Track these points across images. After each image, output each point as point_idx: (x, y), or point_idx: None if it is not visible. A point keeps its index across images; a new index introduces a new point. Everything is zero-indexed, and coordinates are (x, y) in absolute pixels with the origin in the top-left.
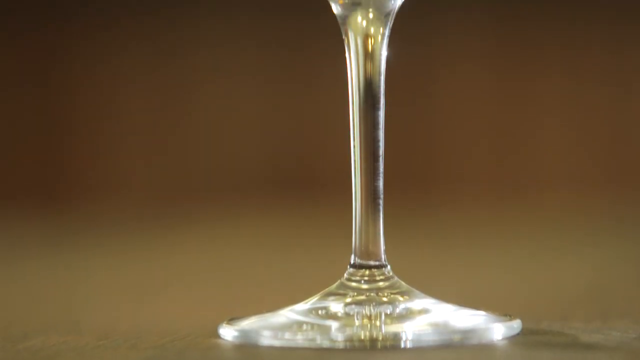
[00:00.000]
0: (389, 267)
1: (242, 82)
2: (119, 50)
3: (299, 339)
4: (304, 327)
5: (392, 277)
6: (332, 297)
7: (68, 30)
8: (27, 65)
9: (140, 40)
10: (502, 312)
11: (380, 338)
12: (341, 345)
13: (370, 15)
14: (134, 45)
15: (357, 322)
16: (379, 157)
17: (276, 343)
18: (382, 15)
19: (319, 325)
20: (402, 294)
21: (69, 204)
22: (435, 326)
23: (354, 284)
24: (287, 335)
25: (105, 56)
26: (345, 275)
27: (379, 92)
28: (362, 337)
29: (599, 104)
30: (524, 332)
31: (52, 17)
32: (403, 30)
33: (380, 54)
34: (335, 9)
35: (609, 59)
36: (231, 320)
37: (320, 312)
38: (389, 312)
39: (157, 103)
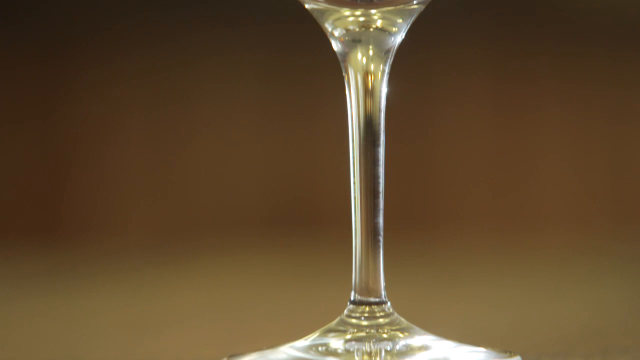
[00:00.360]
0: (389, 303)
1: (242, 119)
2: (120, 87)
3: None
4: None
5: (392, 313)
6: (332, 334)
7: (69, 66)
8: (28, 101)
9: (141, 76)
10: (502, 348)
11: None
12: None
13: (370, 53)
14: (135, 81)
15: (357, 359)
16: (379, 193)
17: None
18: (382, 52)
19: None
20: (402, 330)
21: (70, 241)
22: None
23: (354, 320)
24: None
25: (106, 93)
26: (345, 311)
27: (379, 129)
28: None
29: (599, 141)
30: None
31: (52, 53)
32: (403, 67)
33: (380, 91)
34: (336, 46)
35: (609, 96)
36: (231, 356)
37: (320, 348)
38: (389, 349)
39: (158, 139)
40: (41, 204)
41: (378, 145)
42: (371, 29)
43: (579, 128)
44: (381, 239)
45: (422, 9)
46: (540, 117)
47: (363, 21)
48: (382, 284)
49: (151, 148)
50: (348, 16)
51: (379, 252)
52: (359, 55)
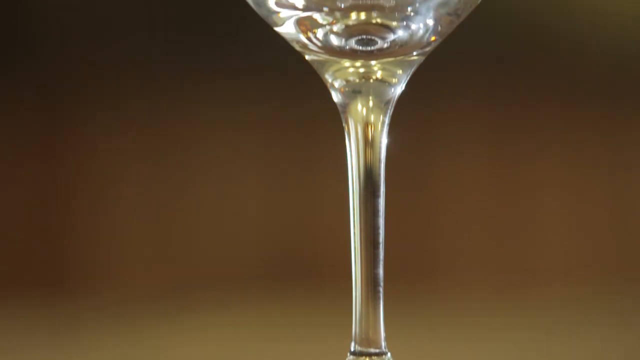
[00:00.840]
0: (389, 354)
1: (241, 170)
2: (120, 137)
3: None
4: None
5: None
6: None
7: (69, 116)
8: (26, 150)
9: (141, 125)
10: None
11: None
12: None
13: (371, 104)
14: (135, 131)
15: None
16: (379, 244)
17: None
18: (382, 103)
19: None
20: None
21: (70, 294)
22: None
23: None
24: None
25: (105, 143)
26: None
27: (379, 180)
28: None
29: (599, 190)
30: None
31: (51, 101)
32: (403, 118)
33: (380, 142)
34: (336, 97)
35: (608, 146)
36: None
37: None
38: None
39: (159, 190)
40: (38, 257)
41: (378, 196)
42: (371, 80)
43: (579, 178)
44: (381, 289)
45: (422, 60)
46: (539, 167)
47: (363, 72)
48: (382, 334)
49: (151, 199)
50: (348, 67)
51: (379, 303)
52: (359, 106)
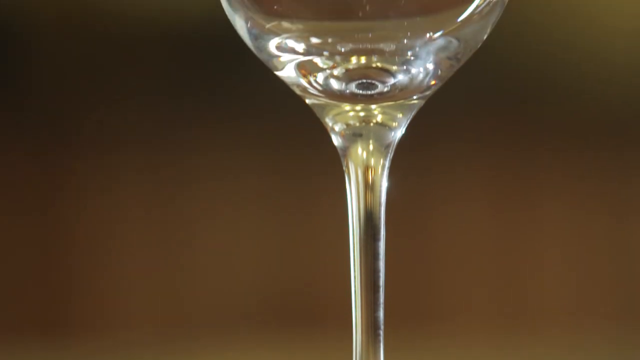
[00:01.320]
0: None
1: (242, 215)
2: (120, 184)
3: None
4: None
5: None
6: None
7: (70, 164)
8: (28, 199)
9: (141, 172)
10: None
11: None
12: None
13: (371, 147)
14: (135, 178)
15: None
16: (379, 287)
17: None
18: (382, 147)
19: None
20: None
21: (72, 338)
22: None
23: None
24: None
25: (106, 190)
26: None
27: (379, 223)
28: None
29: (601, 237)
30: None
31: (51, 151)
32: (403, 161)
33: (381, 185)
34: (336, 140)
35: (610, 192)
36: None
37: None
38: None
39: (159, 236)
40: (39, 302)
41: (378, 240)
42: (371, 124)
43: (581, 224)
44: (381, 333)
45: (422, 104)
46: (541, 212)
47: (363, 116)
48: None
49: (152, 245)
50: (348, 111)
51: (379, 347)
52: (360, 150)
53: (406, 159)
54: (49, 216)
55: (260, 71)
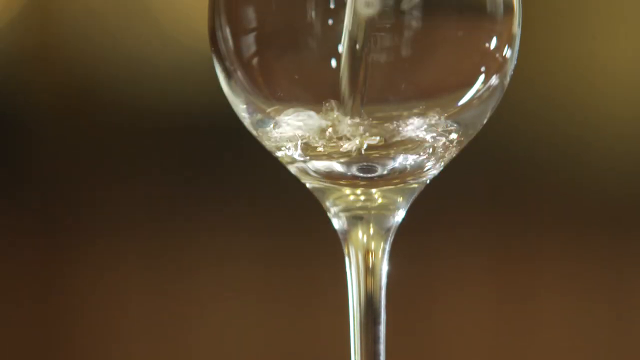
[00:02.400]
0: None
1: (242, 300)
2: (120, 268)
3: None
4: None
5: None
6: None
7: (68, 245)
8: (28, 282)
9: (141, 257)
10: None
11: None
12: None
13: (371, 231)
14: (135, 262)
15: None
16: None
17: None
18: (382, 230)
19: None
20: None
21: None
22: None
23: None
24: None
25: (106, 273)
26: None
27: (379, 307)
28: None
29: (601, 324)
30: None
31: (51, 231)
32: (403, 246)
33: (381, 269)
34: (337, 224)
35: (611, 278)
36: None
37: None
38: None
39: (159, 320)
40: None
41: (379, 323)
42: (372, 208)
43: (581, 309)
44: None
45: (422, 188)
46: (541, 299)
47: (364, 200)
48: None
49: (152, 328)
50: (349, 195)
51: None
52: (360, 234)
53: (407, 245)
54: (48, 304)
55: (260, 158)
